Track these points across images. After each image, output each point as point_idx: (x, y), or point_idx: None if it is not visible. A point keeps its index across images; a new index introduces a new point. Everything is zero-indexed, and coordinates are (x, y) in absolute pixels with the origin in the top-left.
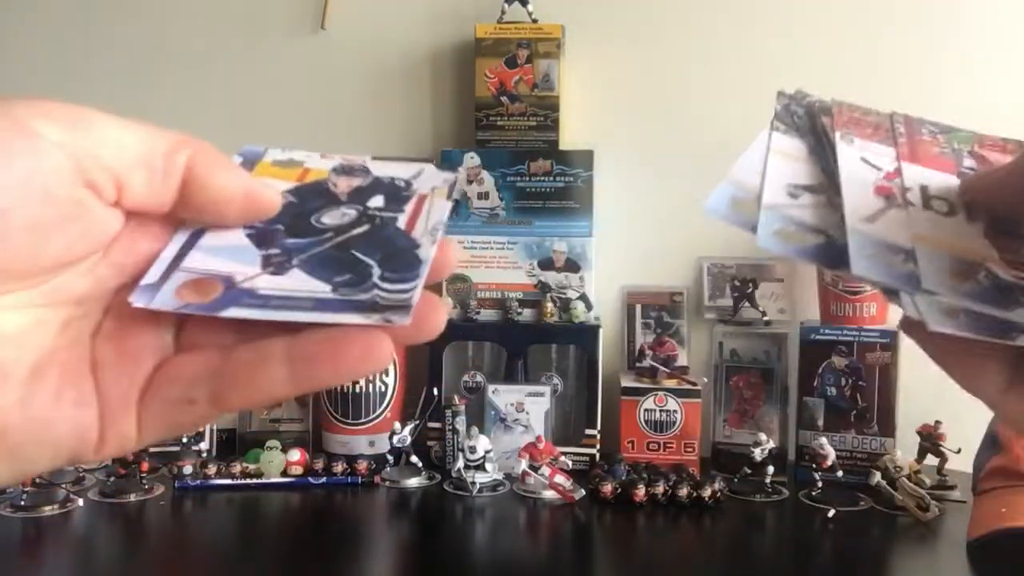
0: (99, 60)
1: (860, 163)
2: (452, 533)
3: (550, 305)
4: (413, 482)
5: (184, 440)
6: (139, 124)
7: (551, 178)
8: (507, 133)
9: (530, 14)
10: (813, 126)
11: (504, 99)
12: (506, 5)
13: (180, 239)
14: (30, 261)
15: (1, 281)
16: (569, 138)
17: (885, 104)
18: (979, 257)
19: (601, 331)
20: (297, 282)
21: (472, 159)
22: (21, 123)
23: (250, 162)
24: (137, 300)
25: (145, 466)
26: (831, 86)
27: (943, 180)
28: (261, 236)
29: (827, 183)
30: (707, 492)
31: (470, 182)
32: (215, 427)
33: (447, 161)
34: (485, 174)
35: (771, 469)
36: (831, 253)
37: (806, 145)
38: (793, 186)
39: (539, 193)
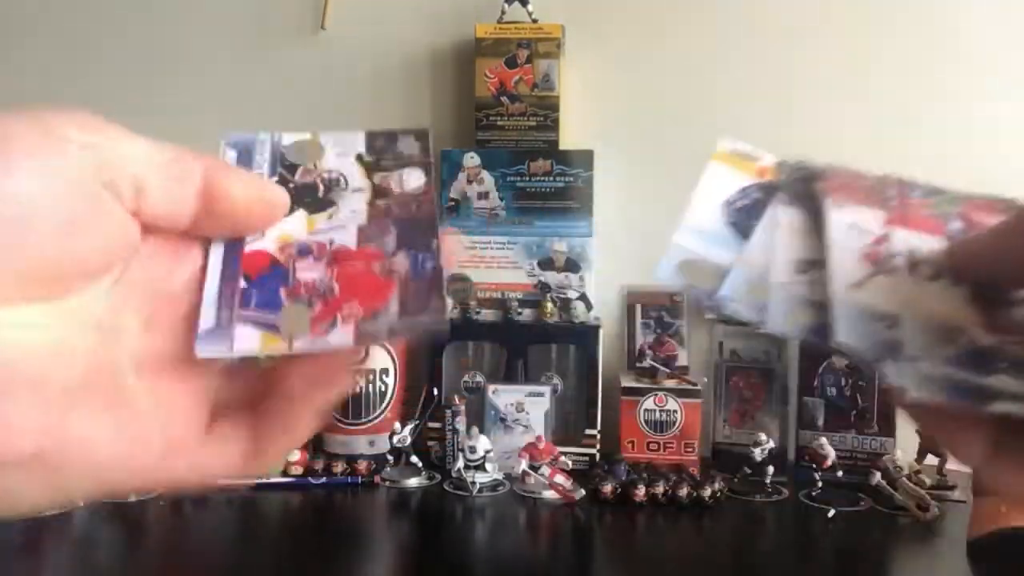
0: (99, 60)
1: (849, 229)
2: (452, 533)
3: (550, 305)
4: (413, 482)
5: None
6: (146, 138)
7: (551, 178)
8: (507, 133)
9: (530, 14)
10: (810, 194)
11: (504, 99)
12: (506, 5)
13: (215, 267)
14: (53, 264)
15: (24, 285)
16: (569, 138)
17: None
18: (961, 322)
19: (601, 331)
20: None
21: (472, 159)
22: (49, 128)
23: (247, 152)
24: (203, 351)
25: None
26: (831, 85)
27: (930, 244)
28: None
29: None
30: (707, 492)
31: (470, 182)
32: None
33: (447, 161)
34: (485, 174)
35: (771, 469)
36: (822, 327)
37: (808, 216)
38: (799, 262)
39: (539, 193)
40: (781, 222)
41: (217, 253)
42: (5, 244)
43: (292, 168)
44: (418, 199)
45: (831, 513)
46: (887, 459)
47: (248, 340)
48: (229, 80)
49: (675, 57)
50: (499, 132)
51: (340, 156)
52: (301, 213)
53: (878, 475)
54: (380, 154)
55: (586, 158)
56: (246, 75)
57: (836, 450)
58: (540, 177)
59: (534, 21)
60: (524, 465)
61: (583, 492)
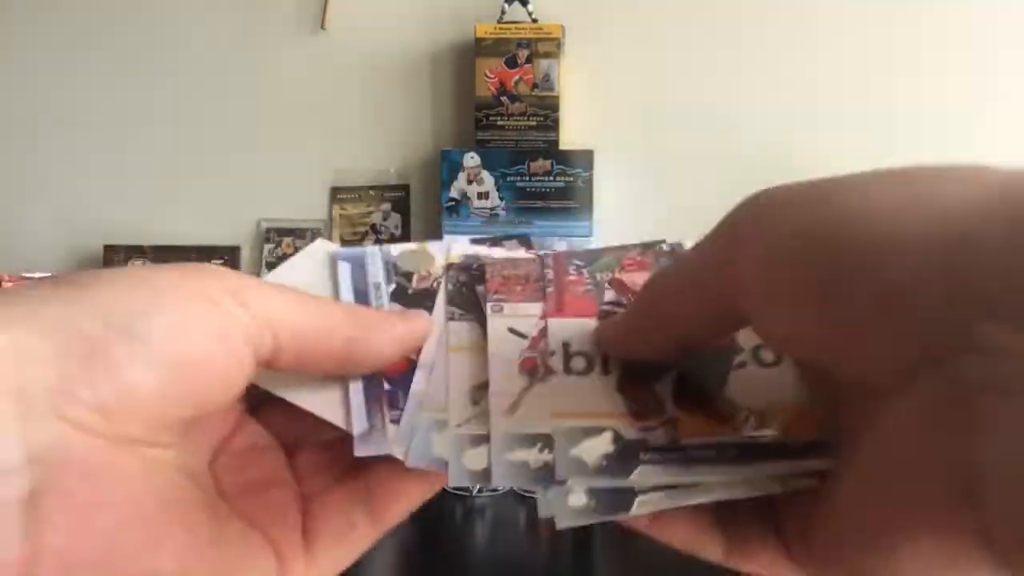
0: (99, 60)
1: (507, 335)
2: (452, 533)
3: None
4: None
5: None
6: (295, 296)
7: (551, 178)
8: (507, 133)
9: (530, 14)
10: (476, 300)
11: (504, 99)
12: (506, 5)
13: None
14: (207, 406)
15: (182, 428)
16: (569, 138)
17: (887, 102)
18: (607, 418)
19: None
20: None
21: (472, 159)
22: (202, 288)
23: (360, 266)
24: (361, 451)
25: None
26: (831, 84)
27: (582, 330)
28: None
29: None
30: None
31: (470, 182)
32: None
33: (447, 161)
34: (485, 174)
35: None
36: (486, 471)
37: (477, 330)
38: (471, 391)
39: (539, 193)
40: (450, 342)
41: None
42: (186, 387)
43: (408, 275)
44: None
45: None
46: None
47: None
48: (229, 79)
49: (675, 57)
50: (499, 132)
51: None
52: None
53: None
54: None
55: (586, 158)
56: (246, 75)
57: None
58: (540, 177)
59: (534, 21)
60: None
61: None
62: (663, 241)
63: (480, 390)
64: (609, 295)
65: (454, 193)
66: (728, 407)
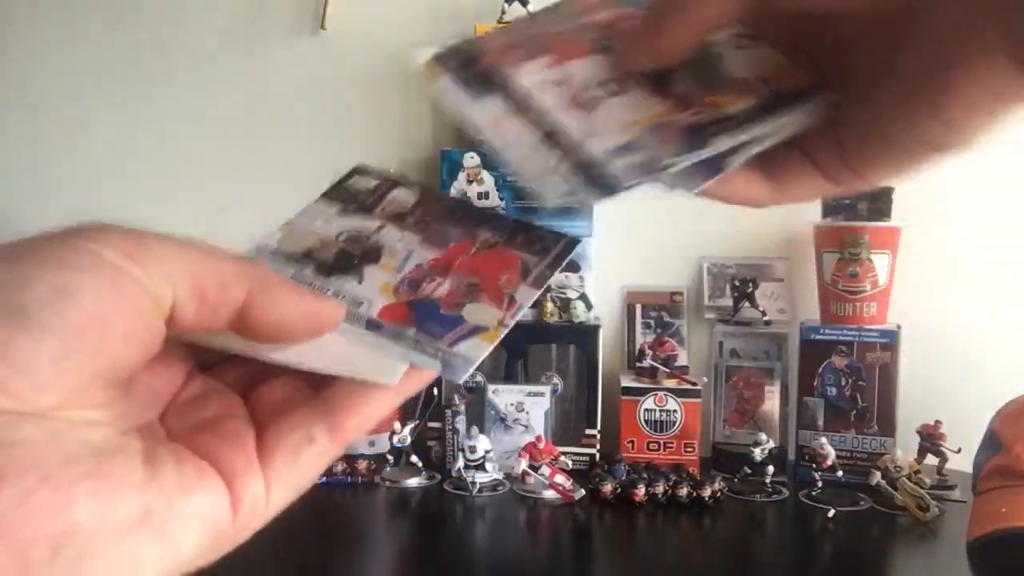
0: (99, 59)
1: (544, 87)
2: (452, 533)
3: (550, 305)
4: (413, 482)
5: None
6: (198, 248)
7: None
8: None
9: (530, 14)
10: (483, 76)
11: None
12: (506, 5)
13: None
14: (116, 369)
15: (99, 389)
16: None
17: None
18: (663, 115)
19: (601, 331)
20: None
21: (472, 159)
22: (87, 248)
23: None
24: (456, 376)
25: None
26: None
27: (594, 64)
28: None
29: (533, 121)
30: (707, 492)
31: (470, 182)
32: None
33: (447, 161)
34: (485, 174)
35: (771, 469)
36: (600, 179)
37: (499, 96)
38: (543, 138)
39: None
40: (494, 115)
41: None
42: (87, 349)
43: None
44: (425, 200)
45: (831, 513)
46: (887, 459)
47: (473, 350)
48: (229, 80)
49: None
50: None
51: (339, 219)
52: (374, 267)
53: (878, 475)
54: (359, 201)
55: None
56: (246, 75)
57: (836, 450)
58: None
59: None
60: (524, 465)
61: (583, 492)
62: None
63: (549, 137)
64: (594, 33)
65: (454, 193)
66: (740, 83)
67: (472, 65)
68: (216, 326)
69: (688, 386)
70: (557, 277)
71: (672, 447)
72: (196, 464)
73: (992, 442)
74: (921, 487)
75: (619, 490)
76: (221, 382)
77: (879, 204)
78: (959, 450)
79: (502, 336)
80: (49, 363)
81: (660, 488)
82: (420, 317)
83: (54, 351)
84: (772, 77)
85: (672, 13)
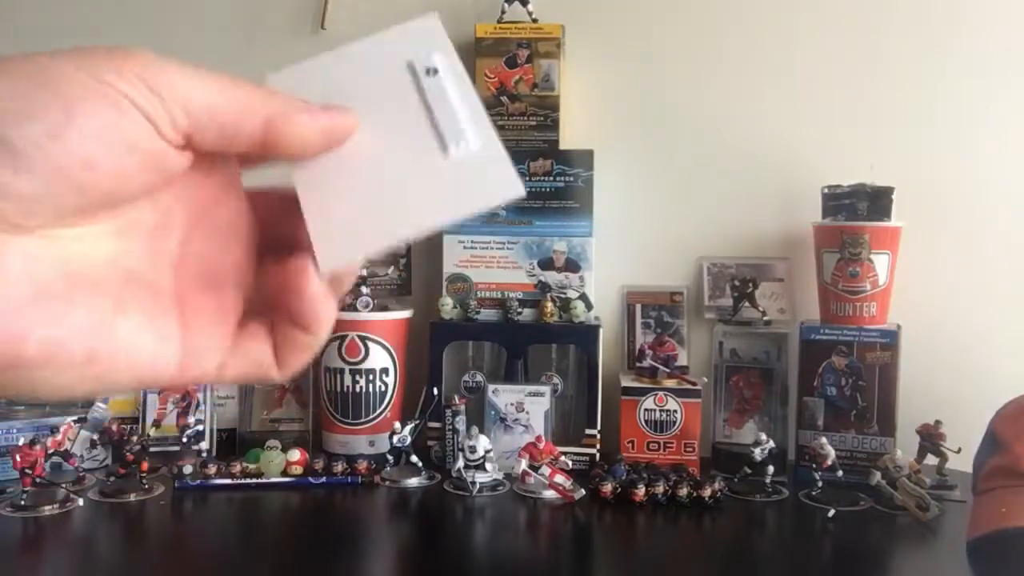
0: None
1: None
2: (452, 533)
3: (550, 305)
4: (413, 482)
5: (184, 440)
6: (214, 78)
7: (551, 178)
8: (507, 133)
9: (530, 14)
10: None
11: (504, 99)
12: (506, 5)
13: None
14: (112, 199)
15: (90, 214)
16: (569, 138)
17: (887, 101)
18: None
19: (601, 331)
20: None
21: None
22: (98, 78)
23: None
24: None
25: (145, 466)
26: (831, 85)
27: None
28: None
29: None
30: (707, 492)
31: None
32: (215, 427)
33: None
34: None
35: (771, 469)
36: None
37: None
38: None
39: (539, 193)
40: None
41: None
42: (72, 188)
43: None
44: None
45: (831, 513)
46: (887, 459)
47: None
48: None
49: (675, 57)
50: (499, 132)
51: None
52: None
53: (878, 475)
54: None
55: (586, 158)
56: (246, 75)
57: (836, 450)
58: (540, 177)
59: (534, 21)
60: (524, 465)
61: (583, 492)
62: None
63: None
64: None
65: None
66: None
67: None
68: (238, 149)
69: (688, 386)
70: (557, 277)
71: (672, 447)
72: (169, 315)
73: (992, 442)
74: (921, 487)
75: (619, 490)
76: (253, 209)
77: (879, 204)
78: (959, 450)
79: None
80: (34, 197)
81: (660, 488)
82: None
83: (37, 190)
84: None
85: None
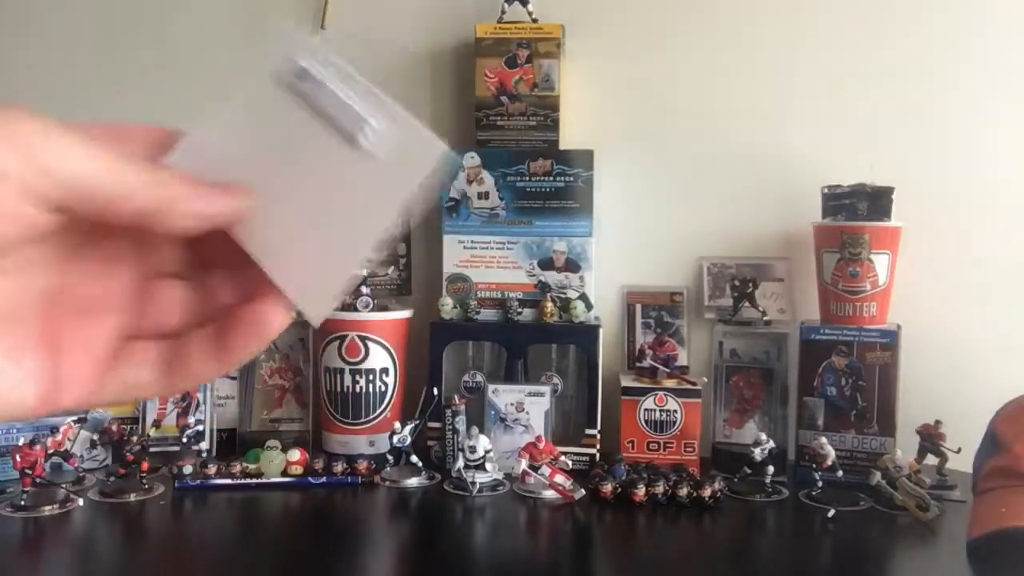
0: (99, 60)
1: None
2: (452, 533)
3: (550, 305)
4: (413, 482)
5: (184, 440)
6: (103, 157)
7: (551, 178)
8: (507, 133)
9: (530, 14)
10: None
11: (504, 99)
12: (506, 5)
13: None
14: None
15: None
16: (569, 138)
17: (886, 102)
18: None
19: (601, 331)
20: None
21: (472, 159)
22: None
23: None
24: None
25: (145, 466)
26: (831, 86)
27: None
28: None
29: None
30: (707, 492)
31: (470, 182)
32: (215, 427)
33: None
34: (485, 174)
35: (771, 469)
36: None
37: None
38: None
39: (539, 193)
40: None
41: None
42: None
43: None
44: None
45: (831, 513)
46: (887, 459)
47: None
48: (229, 80)
49: (675, 57)
50: (499, 132)
51: None
52: None
53: (878, 475)
54: None
55: (586, 158)
56: (245, 75)
57: (836, 450)
58: (540, 177)
59: (534, 21)
60: (524, 465)
61: (583, 492)
62: None
63: None
64: None
65: (454, 193)
66: None
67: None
68: (119, 224)
69: (688, 386)
70: (557, 277)
71: (672, 447)
72: (21, 350)
73: (992, 442)
74: (921, 487)
75: (619, 490)
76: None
77: (879, 204)
78: (959, 450)
79: None
80: None
81: (660, 488)
82: None
83: None
84: None
85: None
